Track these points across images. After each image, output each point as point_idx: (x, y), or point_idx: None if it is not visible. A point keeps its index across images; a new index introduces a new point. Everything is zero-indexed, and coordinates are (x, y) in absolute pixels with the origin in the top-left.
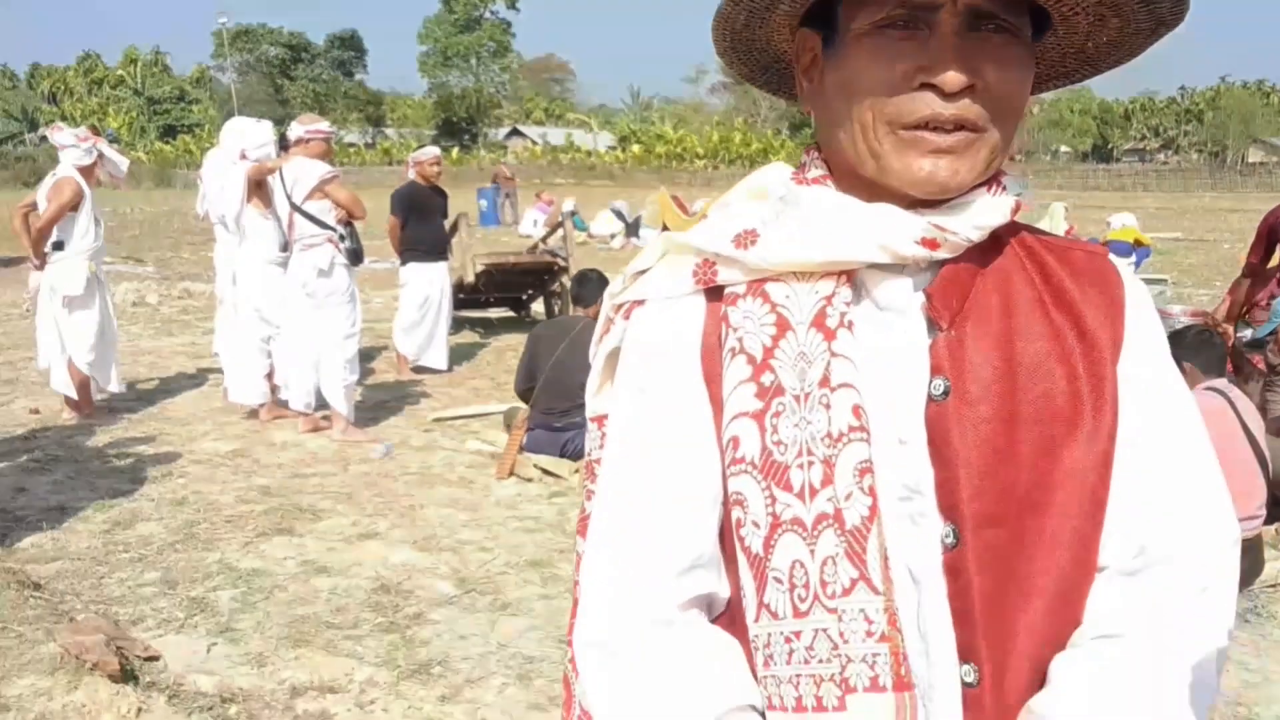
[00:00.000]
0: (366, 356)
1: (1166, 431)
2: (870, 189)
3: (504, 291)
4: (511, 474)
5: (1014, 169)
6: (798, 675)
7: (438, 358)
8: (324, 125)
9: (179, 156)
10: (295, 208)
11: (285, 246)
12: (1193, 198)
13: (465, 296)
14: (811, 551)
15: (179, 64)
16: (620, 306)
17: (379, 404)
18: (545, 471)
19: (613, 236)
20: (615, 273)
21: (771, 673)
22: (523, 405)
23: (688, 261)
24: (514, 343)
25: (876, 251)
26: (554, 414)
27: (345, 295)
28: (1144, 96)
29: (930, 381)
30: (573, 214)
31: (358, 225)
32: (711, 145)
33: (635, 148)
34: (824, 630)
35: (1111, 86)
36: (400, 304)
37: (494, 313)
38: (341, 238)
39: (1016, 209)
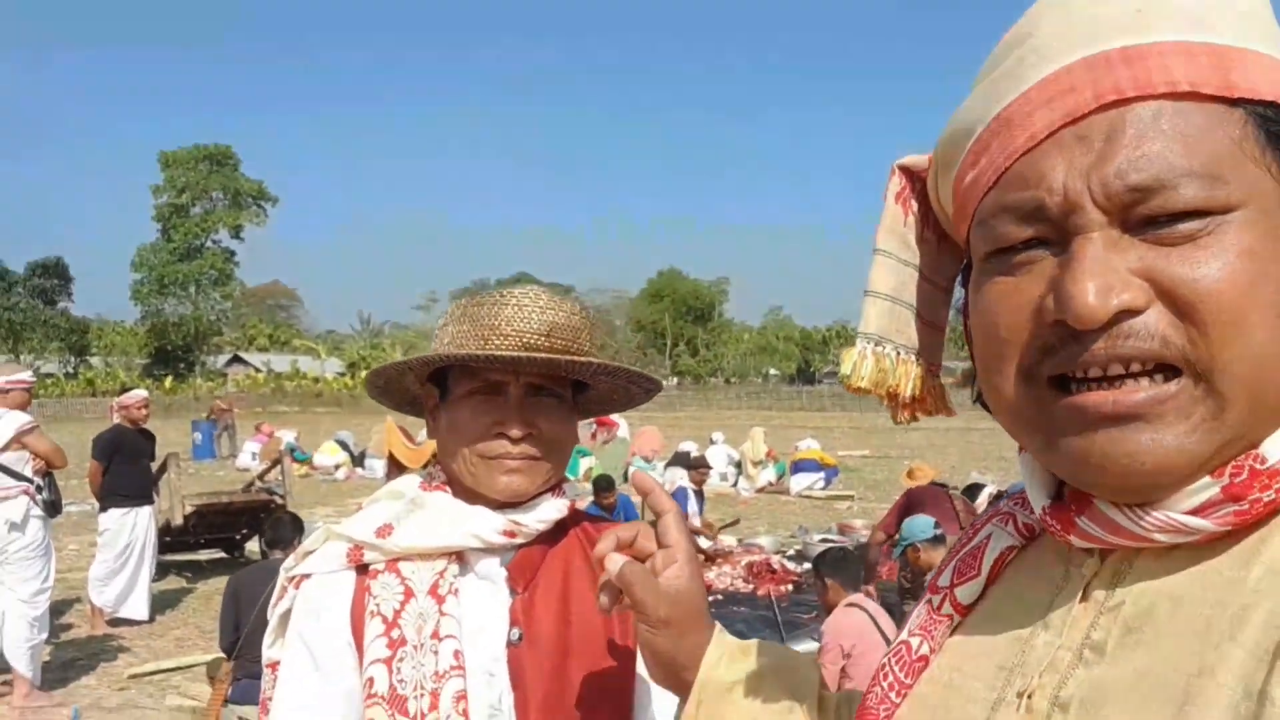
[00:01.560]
0: (57, 610)
1: None
2: (471, 495)
3: (217, 532)
4: None
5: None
6: None
7: (138, 607)
8: (25, 375)
9: None
10: None
11: None
12: (881, 416)
13: (173, 539)
14: None
15: None
16: (293, 578)
17: (69, 662)
18: None
19: (337, 467)
20: (339, 505)
21: None
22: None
23: (343, 546)
24: (224, 586)
25: (473, 540)
26: (261, 662)
27: (39, 549)
28: (839, 325)
29: (510, 630)
30: (293, 450)
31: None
32: None
33: (365, 374)
34: None
35: (811, 316)
36: (98, 552)
37: (204, 554)
38: (39, 489)
39: (571, 507)
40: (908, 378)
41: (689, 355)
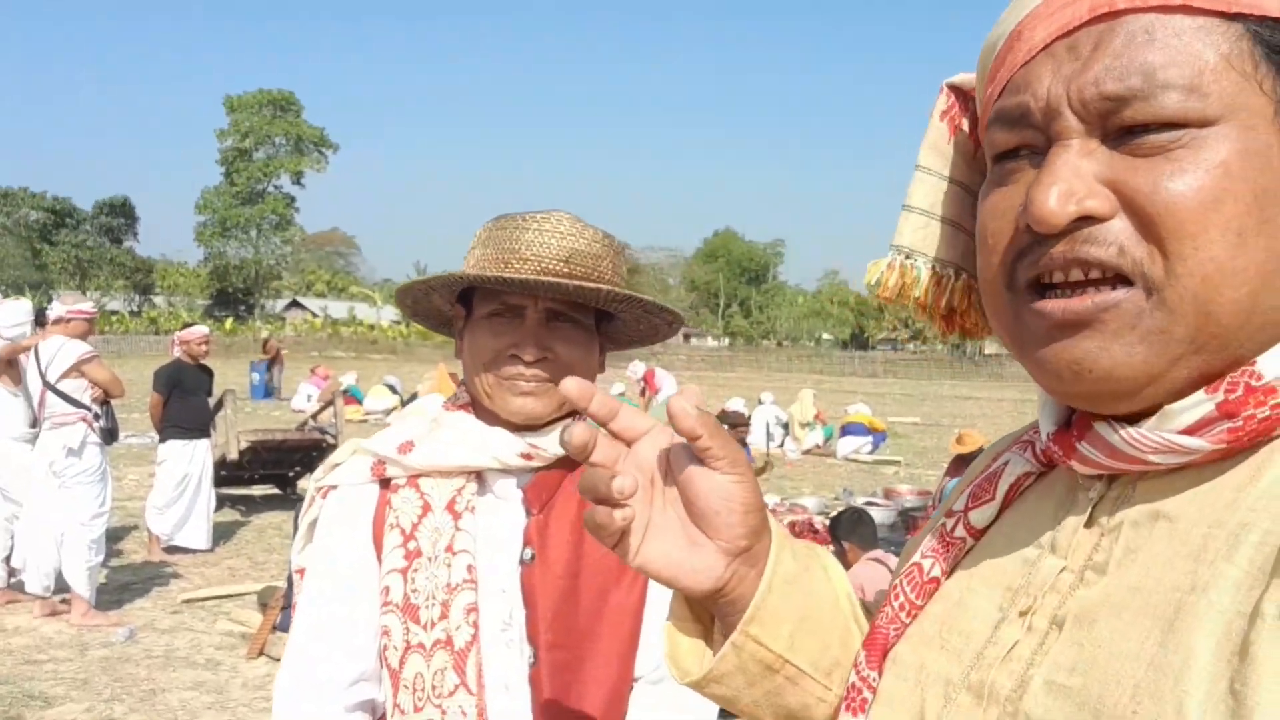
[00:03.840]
0: (115, 536)
1: None
2: (491, 416)
3: (270, 468)
4: (262, 653)
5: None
6: None
7: (196, 537)
8: (86, 306)
9: None
10: (48, 385)
11: (34, 423)
12: (934, 384)
13: (228, 473)
14: (429, 665)
15: None
16: (320, 488)
17: (124, 585)
18: None
19: (387, 412)
20: None
21: None
22: (279, 584)
23: (367, 459)
24: (277, 520)
25: (492, 460)
26: None
27: (95, 474)
28: None
29: (523, 549)
30: (350, 390)
31: (115, 402)
32: None
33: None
34: None
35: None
36: (156, 481)
37: (257, 490)
38: (96, 416)
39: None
40: (942, 291)
41: (742, 316)
